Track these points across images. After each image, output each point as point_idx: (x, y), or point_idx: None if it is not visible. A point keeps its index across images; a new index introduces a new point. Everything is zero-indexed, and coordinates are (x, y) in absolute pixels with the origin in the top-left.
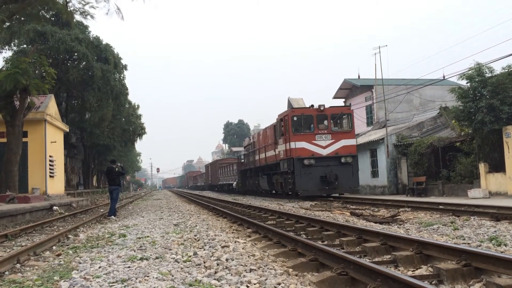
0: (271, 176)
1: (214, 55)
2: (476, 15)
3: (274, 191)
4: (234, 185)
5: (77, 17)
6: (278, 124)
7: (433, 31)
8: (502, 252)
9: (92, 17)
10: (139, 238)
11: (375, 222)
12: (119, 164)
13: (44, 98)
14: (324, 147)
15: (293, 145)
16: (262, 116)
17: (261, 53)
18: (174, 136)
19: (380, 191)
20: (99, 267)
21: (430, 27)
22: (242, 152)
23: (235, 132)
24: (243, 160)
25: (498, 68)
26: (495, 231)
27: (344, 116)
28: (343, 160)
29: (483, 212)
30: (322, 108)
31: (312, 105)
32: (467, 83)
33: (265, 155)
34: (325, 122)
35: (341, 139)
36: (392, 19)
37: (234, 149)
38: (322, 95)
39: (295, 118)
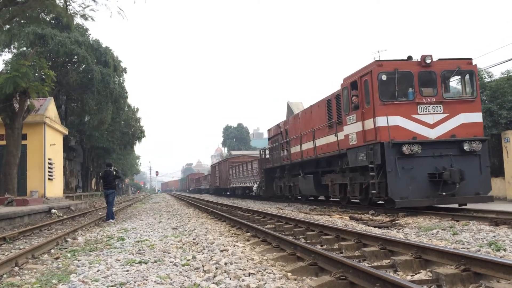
0: (319, 175)
1: (213, 59)
2: (477, 15)
3: (323, 197)
4: (254, 188)
5: (77, 20)
6: (346, 92)
7: (433, 32)
8: (501, 257)
9: (92, 19)
10: (138, 241)
11: (374, 227)
12: (114, 168)
13: (43, 101)
14: (433, 126)
15: (381, 121)
16: (261, 120)
17: (260, 56)
18: (173, 140)
19: None
20: (98, 271)
21: (430, 28)
22: (264, 147)
23: (234, 135)
24: (267, 156)
25: (497, 73)
26: (494, 236)
27: (462, 75)
28: (466, 147)
29: (482, 217)
30: (428, 61)
31: (410, 57)
32: None
33: (313, 144)
34: (433, 84)
35: (459, 113)
36: (392, 19)
37: (234, 152)
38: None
39: (383, 77)
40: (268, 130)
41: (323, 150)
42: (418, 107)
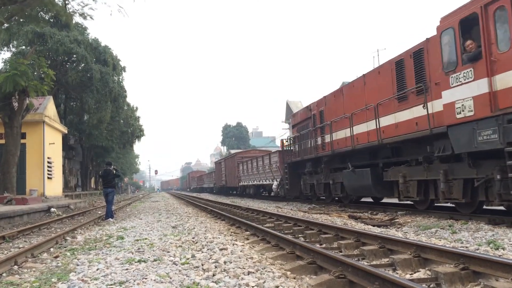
0: (379, 169)
1: (212, 58)
2: None
3: (376, 199)
4: (273, 187)
5: (76, 18)
6: (450, 38)
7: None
8: (500, 255)
9: (91, 18)
10: (137, 240)
11: (373, 225)
12: (114, 167)
13: (42, 99)
14: None
15: None
16: (260, 119)
17: (259, 56)
18: (172, 139)
19: None
20: (97, 269)
21: (430, 28)
22: (288, 136)
23: (233, 134)
24: (291, 148)
25: None
26: (493, 235)
27: None
28: None
29: (481, 216)
30: None
31: None
32: None
33: (376, 125)
34: None
35: None
36: (392, 19)
37: (233, 151)
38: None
39: None
40: (292, 116)
41: (390, 132)
42: None
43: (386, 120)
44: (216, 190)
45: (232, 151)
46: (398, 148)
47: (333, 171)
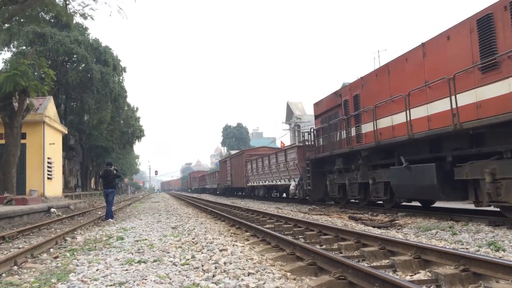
0: (446, 164)
1: (213, 59)
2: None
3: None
4: (291, 188)
5: (77, 19)
6: None
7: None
8: (500, 257)
9: (92, 18)
10: (137, 241)
11: (374, 227)
12: (114, 167)
13: (43, 100)
14: None
15: None
16: (261, 119)
17: (260, 56)
18: (173, 139)
19: None
20: (97, 270)
21: (430, 28)
22: (312, 128)
23: (233, 135)
24: (313, 142)
25: None
26: (494, 236)
27: None
28: None
29: (481, 218)
30: None
31: None
32: None
33: (451, 104)
34: None
35: None
36: (392, 19)
37: (233, 152)
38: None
39: None
40: (315, 105)
41: (467, 115)
42: None
43: (462, 99)
44: (220, 191)
45: (233, 152)
46: (479, 136)
47: (371, 169)
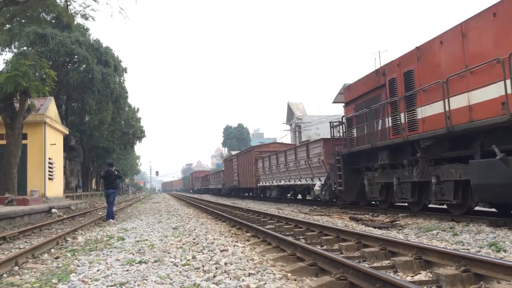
0: None
1: (213, 60)
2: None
3: None
4: (316, 188)
5: (78, 19)
6: None
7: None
8: (501, 258)
9: (93, 19)
10: (138, 241)
11: (374, 227)
12: (115, 168)
13: (44, 100)
14: None
15: None
16: (261, 120)
17: (260, 57)
18: (174, 140)
19: None
20: (98, 270)
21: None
22: (343, 116)
23: (234, 136)
24: (342, 135)
25: None
26: (495, 237)
27: None
28: None
29: (482, 218)
30: None
31: None
32: None
33: None
34: None
35: None
36: (392, 19)
37: (234, 153)
38: (322, 100)
39: None
40: (346, 89)
41: None
42: None
43: None
44: (225, 192)
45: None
46: None
47: (433, 164)
